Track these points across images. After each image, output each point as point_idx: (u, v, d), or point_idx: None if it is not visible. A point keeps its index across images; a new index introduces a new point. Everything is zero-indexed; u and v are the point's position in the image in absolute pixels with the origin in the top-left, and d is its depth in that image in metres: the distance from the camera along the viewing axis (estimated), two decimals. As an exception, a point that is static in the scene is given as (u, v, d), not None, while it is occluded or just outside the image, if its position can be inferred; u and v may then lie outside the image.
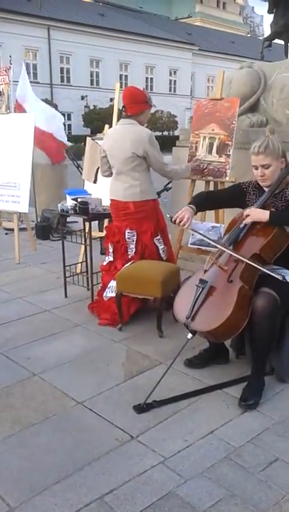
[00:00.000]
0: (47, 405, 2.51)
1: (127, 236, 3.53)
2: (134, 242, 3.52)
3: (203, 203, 2.96)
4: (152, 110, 3.55)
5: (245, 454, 2.12)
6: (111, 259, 3.65)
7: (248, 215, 2.62)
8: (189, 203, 2.92)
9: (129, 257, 3.53)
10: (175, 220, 2.80)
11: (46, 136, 6.12)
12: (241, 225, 2.67)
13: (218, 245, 2.72)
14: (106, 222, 4.30)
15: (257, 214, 2.59)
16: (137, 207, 3.47)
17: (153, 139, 3.42)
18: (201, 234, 3.02)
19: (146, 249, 3.53)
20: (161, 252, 3.56)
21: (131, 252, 3.53)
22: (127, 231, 3.52)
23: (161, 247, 3.56)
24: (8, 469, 2.04)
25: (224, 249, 2.65)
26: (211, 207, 3.19)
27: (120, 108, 3.70)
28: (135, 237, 3.52)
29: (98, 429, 2.31)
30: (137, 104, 3.43)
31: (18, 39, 31.30)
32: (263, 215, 2.56)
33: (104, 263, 3.71)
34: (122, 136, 3.43)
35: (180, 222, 2.78)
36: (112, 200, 3.61)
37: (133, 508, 1.83)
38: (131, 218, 3.49)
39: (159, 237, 3.55)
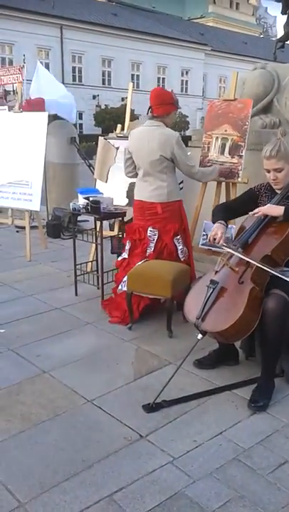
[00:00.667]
0: (57, 403, 2.52)
1: (148, 234, 3.55)
2: (154, 241, 3.54)
3: (225, 215, 2.95)
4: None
5: (255, 455, 2.12)
6: (126, 256, 3.68)
7: (260, 210, 2.62)
8: (217, 220, 2.89)
9: (147, 254, 3.55)
10: (210, 239, 2.84)
11: None
12: (255, 215, 2.66)
13: (229, 250, 2.69)
14: (116, 221, 4.32)
15: (271, 209, 2.59)
16: (163, 208, 3.50)
17: (180, 141, 3.44)
18: (237, 252, 2.71)
19: (166, 249, 3.55)
20: (179, 252, 3.57)
21: (150, 250, 3.55)
22: (149, 229, 3.55)
23: (180, 247, 3.57)
24: (17, 465, 2.06)
25: (235, 252, 2.64)
26: (231, 217, 3.15)
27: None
28: (156, 236, 3.54)
29: (107, 427, 2.32)
30: (163, 105, 3.45)
31: (31, 38, 31.44)
32: (278, 210, 2.56)
33: (119, 259, 3.74)
34: (148, 138, 3.44)
35: (214, 239, 2.79)
36: (137, 200, 3.63)
37: (142, 507, 1.84)
38: (156, 218, 3.51)
39: (179, 237, 3.57)
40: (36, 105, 5.95)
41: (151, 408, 2.44)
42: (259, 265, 2.50)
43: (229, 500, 1.87)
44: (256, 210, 2.67)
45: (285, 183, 2.67)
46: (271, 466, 2.05)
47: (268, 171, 2.68)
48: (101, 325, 3.51)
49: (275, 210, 2.59)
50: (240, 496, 1.89)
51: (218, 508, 1.83)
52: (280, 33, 9.42)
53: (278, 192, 2.73)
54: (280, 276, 2.44)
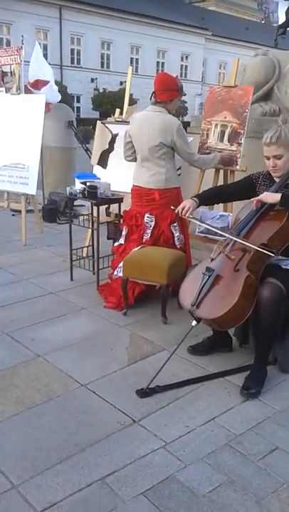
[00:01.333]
0: (51, 387, 2.53)
1: (145, 220, 3.54)
2: (151, 228, 3.53)
3: (210, 196, 3.01)
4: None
5: (246, 441, 2.14)
6: (122, 241, 3.68)
7: (258, 198, 2.62)
8: (194, 196, 2.96)
9: (143, 240, 3.54)
10: (178, 211, 2.91)
11: None
12: (253, 206, 2.66)
13: (225, 234, 2.72)
14: (112, 207, 4.30)
15: (268, 196, 2.59)
16: (161, 194, 3.48)
17: (181, 129, 3.42)
18: (209, 225, 3.05)
19: (163, 235, 3.54)
20: (176, 239, 3.56)
21: (146, 236, 3.55)
22: (146, 215, 3.53)
23: (176, 234, 3.56)
24: (11, 448, 2.08)
25: (232, 237, 2.65)
26: (222, 200, 3.24)
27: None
28: (153, 223, 3.53)
29: (101, 411, 2.34)
30: (167, 91, 3.41)
31: (30, 18, 30.98)
32: (274, 197, 2.56)
33: (116, 245, 3.75)
34: (149, 124, 3.41)
35: (181, 211, 2.88)
36: (135, 185, 3.61)
37: (133, 491, 1.86)
38: (153, 204, 3.50)
39: (176, 224, 3.56)
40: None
41: (144, 393, 2.46)
42: (257, 248, 2.50)
43: (220, 484, 1.89)
44: (253, 199, 2.66)
45: (284, 171, 2.66)
46: (262, 452, 2.08)
47: (268, 158, 2.67)
48: (96, 310, 3.51)
49: (271, 197, 2.59)
50: (231, 480, 1.91)
51: (208, 492, 1.86)
52: (282, 19, 9.33)
53: (277, 180, 2.72)
54: (275, 256, 2.44)
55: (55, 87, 6.33)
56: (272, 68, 4.46)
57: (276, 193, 2.59)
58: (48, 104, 5.58)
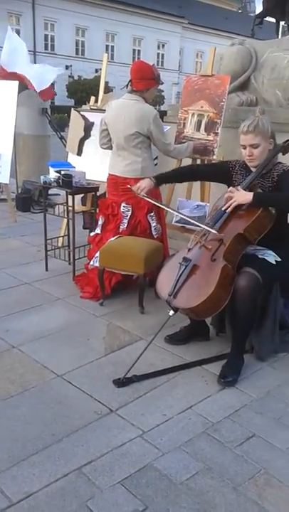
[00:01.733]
0: (26, 378, 2.50)
1: (122, 210, 3.51)
2: (127, 217, 3.50)
3: (178, 175, 3.14)
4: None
5: (223, 429, 2.16)
6: (98, 231, 3.64)
7: (231, 198, 2.61)
8: (154, 176, 3.07)
9: (120, 230, 3.51)
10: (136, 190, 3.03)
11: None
12: (224, 208, 2.67)
13: (202, 226, 2.72)
14: (89, 196, 4.25)
15: (240, 197, 2.59)
16: (137, 183, 3.44)
17: (158, 118, 3.39)
18: (185, 215, 3.06)
19: (139, 225, 3.52)
20: (152, 229, 3.55)
21: (123, 226, 3.52)
22: (122, 205, 3.50)
23: (153, 224, 3.55)
24: (-14, 440, 2.04)
25: (208, 228, 2.66)
26: (193, 179, 3.34)
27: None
28: (130, 212, 3.50)
29: (77, 402, 2.32)
30: (143, 80, 3.37)
31: (1, 2, 30.15)
32: (246, 197, 2.56)
33: (92, 234, 3.71)
34: (125, 112, 3.37)
35: (138, 190, 3.00)
36: (110, 174, 3.57)
37: (111, 480, 1.85)
38: (130, 194, 3.46)
39: (152, 214, 3.54)
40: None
41: (121, 383, 2.46)
42: (231, 243, 2.52)
43: (197, 472, 1.90)
44: (229, 199, 2.64)
45: (260, 161, 2.66)
46: (239, 439, 2.10)
47: (244, 147, 2.66)
48: (72, 300, 3.48)
49: (243, 197, 2.58)
50: (208, 468, 1.93)
51: (186, 480, 1.87)
52: (259, 9, 9.34)
53: (253, 170, 2.72)
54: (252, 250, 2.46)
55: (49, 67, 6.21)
56: (249, 58, 4.46)
57: (248, 193, 2.59)
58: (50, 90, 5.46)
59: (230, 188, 2.69)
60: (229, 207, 2.62)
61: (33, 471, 1.89)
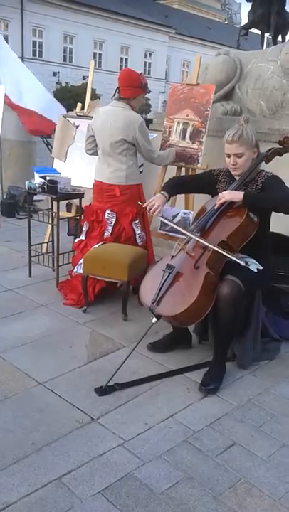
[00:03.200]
0: (7, 385, 2.47)
1: (106, 217, 3.51)
2: (112, 224, 3.50)
3: (174, 187, 2.98)
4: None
5: (204, 438, 2.16)
6: (83, 238, 3.64)
7: (222, 197, 2.62)
8: (162, 189, 2.92)
9: (104, 237, 3.50)
10: (146, 207, 2.86)
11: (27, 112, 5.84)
12: (215, 207, 2.68)
13: (187, 233, 2.72)
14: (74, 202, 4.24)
15: (232, 194, 2.60)
16: (122, 191, 3.46)
17: (143, 126, 3.41)
18: (170, 222, 3.05)
19: (124, 232, 3.51)
20: (137, 237, 3.55)
21: (107, 233, 3.51)
22: (107, 212, 3.50)
23: (138, 231, 3.55)
24: None
25: (193, 236, 2.66)
26: (183, 191, 3.26)
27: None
28: (114, 219, 3.50)
29: (58, 410, 2.30)
30: (130, 88, 3.39)
31: (-11, 8, 30.08)
32: (238, 195, 2.58)
33: (76, 241, 3.70)
34: (112, 119, 3.38)
35: (150, 209, 2.83)
36: (96, 181, 3.58)
37: (91, 489, 1.84)
38: (114, 201, 3.47)
39: (137, 221, 3.54)
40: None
41: (103, 391, 2.44)
42: (217, 249, 2.52)
43: (178, 481, 1.90)
44: (220, 196, 2.65)
45: (243, 169, 2.69)
46: (220, 448, 2.10)
47: (228, 156, 2.69)
48: (55, 307, 3.46)
49: (235, 195, 2.60)
50: (189, 477, 1.92)
51: (166, 489, 1.86)
52: (244, 20, 9.47)
53: (237, 178, 2.74)
54: (236, 260, 2.46)
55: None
56: (234, 68, 4.50)
57: (239, 192, 2.61)
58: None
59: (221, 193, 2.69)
60: (222, 205, 2.63)
61: (12, 480, 1.86)
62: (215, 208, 2.68)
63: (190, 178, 3.35)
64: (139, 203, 3.01)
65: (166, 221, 3.12)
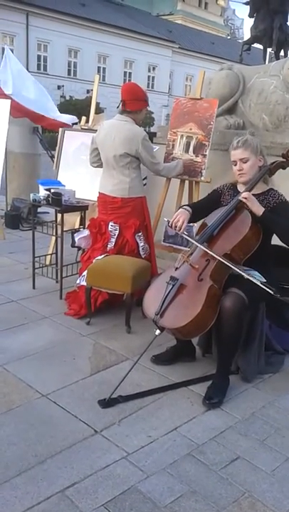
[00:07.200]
0: (10, 397, 2.47)
1: (109, 229, 3.53)
2: (115, 236, 3.52)
3: (193, 217, 2.89)
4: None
5: (208, 451, 2.14)
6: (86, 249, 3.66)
7: (245, 198, 2.58)
8: (187, 205, 2.89)
9: (107, 249, 3.52)
10: (172, 224, 2.79)
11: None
12: (215, 219, 2.67)
13: (194, 242, 2.70)
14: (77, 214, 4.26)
15: (255, 203, 2.58)
16: (125, 203, 3.48)
17: (147, 140, 3.44)
18: (192, 239, 2.79)
19: (127, 245, 3.53)
20: (140, 249, 3.57)
21: (110, 245, 3.53)
22: (110, 224, 3.52)
23: (141, 244, 3.57)
24: None
25: (203, 247, 2.63)
26: (201, 217, 2.99)
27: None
28: (117, 232, 3.52)
29: (62, 422, 2.29)
30: (137, 101, 3.43)
31: (-4, 23, 30.55)
32: (259, 208, 2.57)
33: (83, 254, 3.73)
34: (115, 133, 3.42)
35: (176, 226, 2.77)
36: (100, 193, 3.61)
37: (94, 502, 1.83)
38: (118, 213, 3.49)
39: (140, 234, 3.56)
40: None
41: (106, 403, 2.43)
42: (222, 260, 2.52)
43: (182, 495, 1.88)
44: (244, 195, 2.60)
45: (250, 176, 2.70)
46: (224, 461, 2.08)
47: (235, 164, 2.71)
48: (59, 319, 3.46)
49: (256, 207, 2.57)
50: (193, 491, 1.91)
51: (170, 503, 1.84)
52: (247, 35, 9.61)
53: (240, 190, 2.76)
54: (240, 272, 2.47)
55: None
56: (237, 83, 4.57)
57: (260, 206, 2.58)
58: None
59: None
60: (246, 198, 2.59)
61: (15, 493, 1.85)
62: (217, 218, 2.67)
63: (198, 204, 3.08)
64: (165, 219, 2.90)
65: (189, 239, 2.82)
